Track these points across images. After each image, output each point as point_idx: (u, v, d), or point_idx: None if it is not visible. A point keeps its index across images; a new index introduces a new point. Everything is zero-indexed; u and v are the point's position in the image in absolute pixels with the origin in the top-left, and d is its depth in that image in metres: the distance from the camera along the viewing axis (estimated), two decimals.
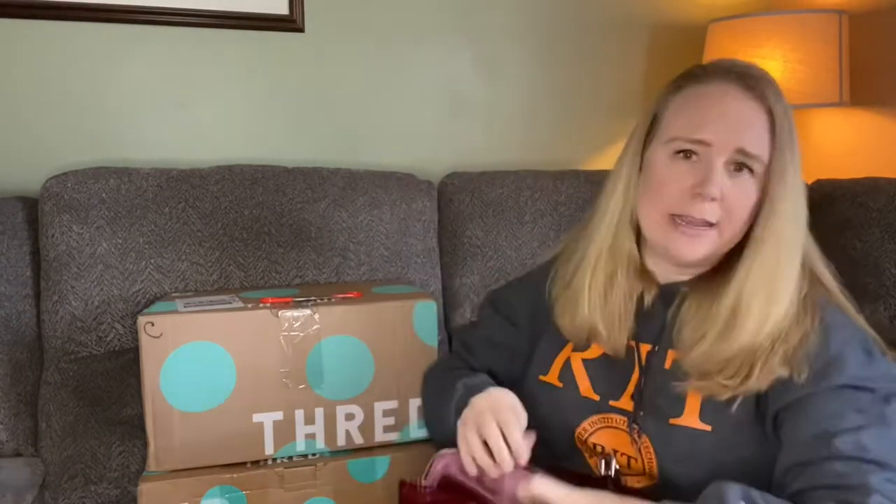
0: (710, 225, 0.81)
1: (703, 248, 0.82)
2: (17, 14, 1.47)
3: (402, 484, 0.89)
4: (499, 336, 1.03)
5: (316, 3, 1.67)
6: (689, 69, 0.87)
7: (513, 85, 1.86)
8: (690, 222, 0.81)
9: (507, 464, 0.79)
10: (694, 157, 0.81)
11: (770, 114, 0.80)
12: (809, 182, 1.72)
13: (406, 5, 1.74)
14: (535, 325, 1.00)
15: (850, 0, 1.81)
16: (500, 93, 1.86)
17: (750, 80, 0.81)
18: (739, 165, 0.80)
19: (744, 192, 0.80)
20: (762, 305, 0.78)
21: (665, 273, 0.89)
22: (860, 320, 0.82)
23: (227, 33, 1.62)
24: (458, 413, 0.87)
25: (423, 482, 0.87)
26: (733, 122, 0.80)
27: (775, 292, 0.78)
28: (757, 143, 0.79)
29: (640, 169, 0.87)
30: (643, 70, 1.96)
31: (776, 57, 1.68)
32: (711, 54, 1.81)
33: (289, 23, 1.64)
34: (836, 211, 1.56)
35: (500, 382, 0.92)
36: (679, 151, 0.82)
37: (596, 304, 0.89)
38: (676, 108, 0.84)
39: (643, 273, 0.89)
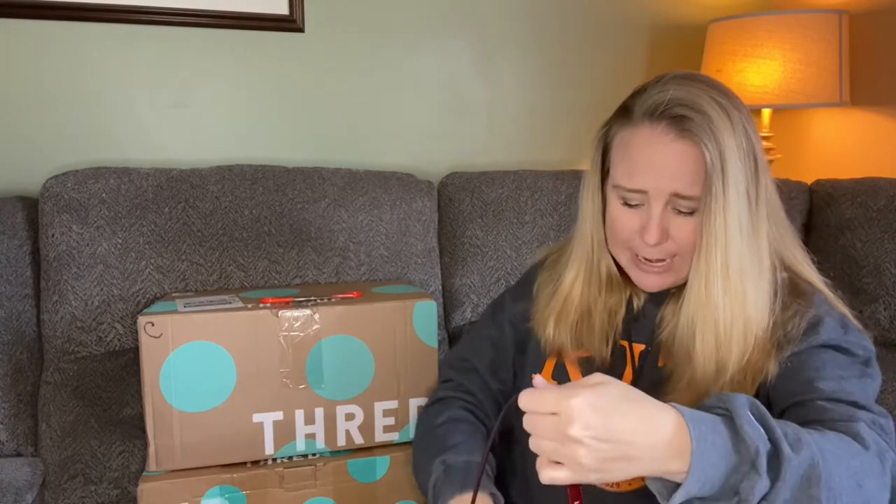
0: (665, 260, 0.83)
1: (664, 280, 0.85)
2: (17, 14, 1.47)
3: None
4: (497, 336, 1.05)
5: (316, 3, 1.67)
6: (625, 102, 0.85)
7: (513, 85, 1.86)
8: (647, 260, 0.84)
9: None
10: (637, 204, 0.82)
11: (702, 151, 0.76)
12: (809, 182, 1.72)
13: (406, 5, 1.74)
14: (526, 326, 1.00)
15: (850, 0, 1.81)
16: (500, 93, 1.86)
17: (677, 122, 0.78)
18: (680, 206, 0.80)
19: (691, 227, 0.80)
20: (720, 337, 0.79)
21: None
22: (841, 307, 0.84)
23: (227, 33, 1.62)
24: (433, 493, 0.90)
25: None
26: (665, 168, 0.79)
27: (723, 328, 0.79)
28: (690, 184, 0.78)
29: (603, 200, 0.87)
30: (643, 70, 1.96)
31: (776, 57, 1.69)
32: (711, 54, 1.81)
33: (289, 23, 1.64)
34: (836, 211, 1.56)
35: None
36: (623, 200, 0.83)
37: (565, 332, 0.91)
38: (616, 150, 0.84)
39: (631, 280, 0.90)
